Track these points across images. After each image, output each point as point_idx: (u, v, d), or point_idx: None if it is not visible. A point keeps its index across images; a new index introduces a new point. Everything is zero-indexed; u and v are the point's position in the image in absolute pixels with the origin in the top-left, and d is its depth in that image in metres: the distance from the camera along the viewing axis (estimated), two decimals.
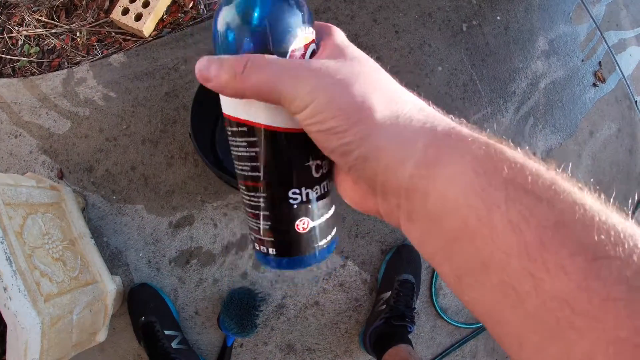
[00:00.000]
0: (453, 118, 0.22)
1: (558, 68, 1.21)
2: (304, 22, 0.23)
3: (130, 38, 1.08)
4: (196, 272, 0.97)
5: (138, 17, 1.02)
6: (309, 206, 0.25)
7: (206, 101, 0.85)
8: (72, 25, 1.11)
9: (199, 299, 0.97)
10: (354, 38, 1.09)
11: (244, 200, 0.26)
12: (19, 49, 1.11)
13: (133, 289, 0.93)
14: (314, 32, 0.24)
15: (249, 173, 0.25)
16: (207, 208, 0.98)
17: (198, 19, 1.07)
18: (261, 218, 0.25)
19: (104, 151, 1.00)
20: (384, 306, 0.90)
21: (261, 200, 0.25)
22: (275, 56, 0.22)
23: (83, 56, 1.08)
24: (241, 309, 0.91)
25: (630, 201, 1.26)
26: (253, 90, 0.21)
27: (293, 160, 0.24)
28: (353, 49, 0.23)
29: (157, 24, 1.07)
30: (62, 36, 1.12)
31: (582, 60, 1.23)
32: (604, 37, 1.26)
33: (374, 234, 1.02)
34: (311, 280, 0.99)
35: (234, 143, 0.25)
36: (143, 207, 0.98)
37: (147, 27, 1.02)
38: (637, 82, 1.30)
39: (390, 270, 0.97)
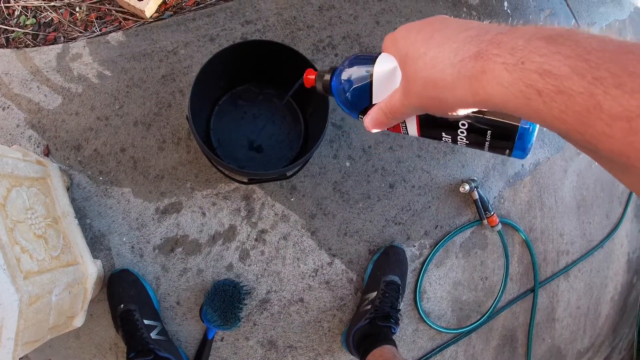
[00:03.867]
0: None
1: None
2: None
3: (130, 17, 1.05)
4: (180, 261, 0.95)
5: None
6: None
7: (205, 88, 0.84)
8: (72, 0, 1.08)
9: (181, 288, 0.95)
10: (356, 38, 1.10)
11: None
12: (15, 20, 1.07)
13: (113, 275, 0.90)
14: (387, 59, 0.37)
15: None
16: (197, 196, 0.97)
17: (201, 4, 1.06)
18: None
19: (93, 130, 0.97)
20: (369, 306, 0.90)
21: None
22: (385, 99, 0.36)
23: (80, 32, 1.06)
24: (225, 301, 0.89)
25: (610, 219, 1.29)
26: (404, 115, 0.35)
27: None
28: (397, 51, 0.33)
29: (160, 5, 1.05)
30: (60, 10, 1.09)
31: None
32: None
33: (363, 233, 1.02)
34: (297, 276, 0.98)
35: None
36: (130, 190, 0.96)
37: (149, 7, 1.00)
38: None
39: (377, 270, 0.97)
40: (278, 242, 0.98)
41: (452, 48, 0.28)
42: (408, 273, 1.02)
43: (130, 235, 0.95)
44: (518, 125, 0.33)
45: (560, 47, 0.23)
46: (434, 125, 0.37)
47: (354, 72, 0.38)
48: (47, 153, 0.98)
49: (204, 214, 0.96)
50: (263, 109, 0.99)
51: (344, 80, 0.39)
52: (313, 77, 0.46)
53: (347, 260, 1.00)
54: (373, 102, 0.37)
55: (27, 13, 1.11)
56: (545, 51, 0.23)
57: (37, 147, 0.97)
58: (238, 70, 0.90)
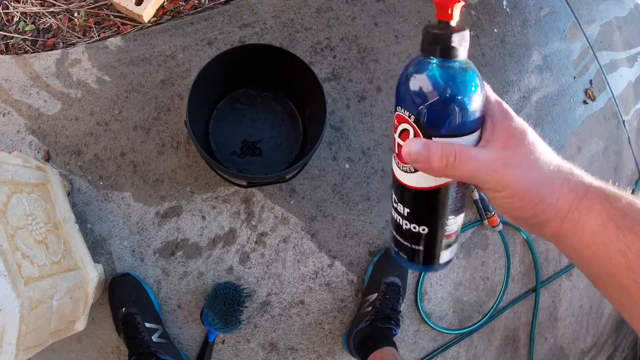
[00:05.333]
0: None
1: (550, 83, 1.23)
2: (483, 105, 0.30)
3: (129, 22, 1.06)
4: (181, 264, 0.96)
5: (139, 2, 1.00)
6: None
7: (203, 92, 0.84)
8: (71, 6, 1.09)
9: (182, 292, 0.95)
10: (354, 39, 1.10)
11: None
12: (14, 26, 1.08)
13: (115, 279, 0.91)
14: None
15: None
16: (196, 199, 0.97)
17: (199, 8, 1.06)
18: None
19: (93, 135, 0.98)
20: (369, 308, 0.90)
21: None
22: (475, 150, 0.29)
23: (79, 37, 1.06)
24: (226, 304, 0.89)
25: None
26: (459, 178, 0.30)
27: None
28: (528, 137, 0.29)
29: (157, 10, 1.05)
30: (59, 16, 1.09)
31: (574, 78, 1.26)
32: (596, 57, 1.30)
33: (363, 235, 1.02)
34: (297, 278, 0.99)
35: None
36: (130, 194, 0.96)
37: (148, 12, 1.01)
38: (625, 102, 1.33)
39: (377, 272, 0.97)
40: (278, 244, 0.98)
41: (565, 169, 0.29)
42: (409, 274, 1.01)
43: (130, 240, 0.96)
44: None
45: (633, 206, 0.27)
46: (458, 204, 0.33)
47: (482, 94, 0.30)
48: (47, 159, 0.99)
49: (204, 217, 0.97)
50: (261, 112, 0.99)
51: (472, 83, 0.29)
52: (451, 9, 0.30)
53: (347, 262, 1.01)
54: (449, 139, 0.29)
55: (26, 19, 1.11)
56: (624, 203, 0.27)
57: (38, 152, 0.98)
58: (236, 73, 0.90)
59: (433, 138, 0.29)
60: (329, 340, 0.99)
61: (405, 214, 0.33)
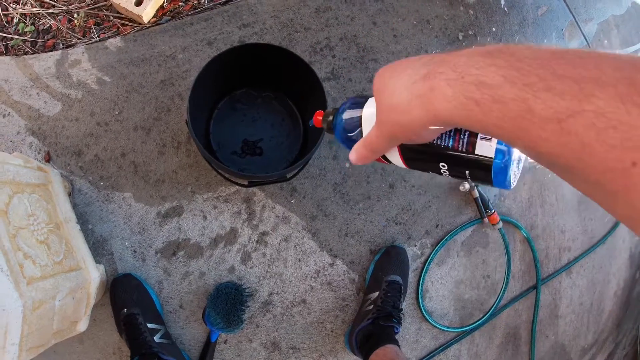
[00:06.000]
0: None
1: None
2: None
3: (128, 23, 1.06)
4: (182, 264, 0.96)
5: (139, 3, 1.01)
6: None
7: (204, 92, 0.84)
8: (70, 7, 1.09)
9: (184, 292, 0.95)
10: (353, 39, 1.10)
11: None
12: (14, 27, 1.08)
13: (116, 279, 0.90)
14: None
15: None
16: (197, 199, 0.97)
17: (198, 9, 1.06)
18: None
19: (94, 136, 0.98)
20: (371, 306, 0.90)
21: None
22: (369, 136, 0.36)
23: (79, 38, 1.06)
24: (228, 303, 0.89)
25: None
26: (386, 148, 0.36)
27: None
28: (374, 89, 0.34)
29: (157, 11, 1.06)
30: (58, 17, 1.09)
31: None
32: None
33: (364, 234, 1.02)
34: (299, 277, 0.99)
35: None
36: (131, 195, 0.96)
37: (147, 13, 1.01)
38: None
39: (379, 270, 0.97)
40: (279, 244, 0.98)
41: (408, 74, 0.30)
42: (410, 273, 1.02)
43: (132, 240, 0.96)
44: (491, 164, 0.35)
45: (495, 59, 0.24)
46: (416, 159, 0.39)
47: (349, 114, 0.42)
48: (48, 159, 0.99)
49: (205, 217, 0.97)
50: (262, 112, 0.99)
51: (342, 120, 0.42)
52: (321, 118, 0.50)
53: (348, 260, 1.01)
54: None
55: (26, 20, 1.11)
56: (482, 64, 0.25)
57: (38, 153, 0.98)
58: (236, 73, 0.90)
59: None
60: (331, 339, 0.99)
61: (434, 172, 0.40)
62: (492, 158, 0.34)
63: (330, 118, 0.46)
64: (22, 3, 1.13)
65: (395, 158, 0.40)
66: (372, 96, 0.39)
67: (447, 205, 1.08)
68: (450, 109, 0.26)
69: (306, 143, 0.97)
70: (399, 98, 0.30)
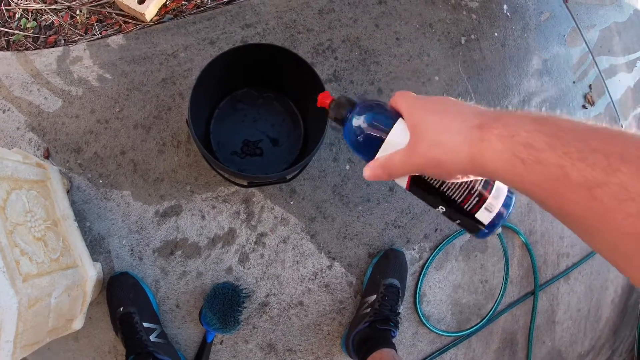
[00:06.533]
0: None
1: (550, 87, 1.24)
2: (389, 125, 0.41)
3: (131, 21, 1.06)
4: (180, 264, 0.95)
5: (142, 0, 1.01)
6: None
7: (205, 91, 0.84)
8: (73, 3, 1.09)
9: (180, 291, 0.95)
10: (355, 41, 1.10)
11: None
12: (16, 22, 1.08)
13: (113, 278, 0.90)
14: (396, 119, 0.41)
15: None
16: (196, 199, 0.97)
17: (201, 8, 1.06)
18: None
19: (94, 133, 0.98)
20: (368, 309, 0.90)
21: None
22: (393, 154, 0.39)
23: (81, 35, 1.06)
24: (224, 304, 0.89)
25: None
26: (399, 174, 0.39)
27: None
28: (412, 118, 0.37)
29: (160, 9, 1.06)
30: (61, 13, 1.09)
31: (574, 82, 1.26)
32: (595, 62, 1.31)
33: (362, 236, 1.02)
34: (296, 279, 0.98)
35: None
36: (130, 193, 0.96)
37: (150, 11, 1.01)
38: (624, 107, 1.34)
39: (377, 274, 0.97)
40: (277, 245, 0.98)
41: (461, 119, 0.33)
42: (408, 276, 1.01)
43: (129, 238, 0.95)
44: (480, 230, 0.41)
45: (542, 126, 0.28)
46: (423, 190, 0.42)
47: (371, 124, 0.41)
48: (47, 156, 0.98)
49: (203, 217, 0.96)
50: (263, 113, 0.99)
51: (360, 124, 0.42)
52: (328, 101, 0.47)
53: (346, 263, 1.00)
54: (377, 156, 0.41)
55: (28, 16, 1.11)
56: (531, 128, 0.28)
57: (37, 150, 0.98)
58: (238, 73, 0.90)
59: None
60: (328, 342, 0.99)
61: (430, 205, 0.44)
62: (484, 226, 0.41)
63: (344, 112, 0.45)
64: None
65: (402, 180, 0.42)
66: (396, 113, 0.41)
67: None
68: (497, 161, 0.30)
69: (306, 144, 0.97)
70: (448, 138, 0.33)
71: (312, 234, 0.99)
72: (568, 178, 0.26)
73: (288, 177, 0.87)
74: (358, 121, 0.42)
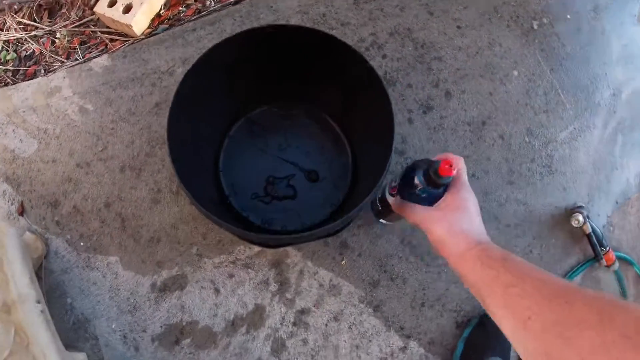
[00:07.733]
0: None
1: (636, 75, 0.94)
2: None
3: (118, 38, 0.84)
4: (189, 356, 0.68)
5: (127, 9, 0.79)
6: None
7: (201, 112, 0.58)
8: (54, 27, 0.90)
9: None
10: (407, 33, 0.84)
11: None
12: None
13: None
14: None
15: None
16: (206, 265, 0.70)
17: (203, 12, 0.83)
18: None
19: (72, 181, 0.74)
20: None
21: None
22: (422, 207, 0.52)
23: (62, 61, 0.85)
24: None
25: None
26: (412, 222, 0.54)
27: None
28: (460, 206, 0.49)
29: (153, 20, 0.84)
30: (42, 39, 0.90)
31: None
32: None
33: (447, 300, 0.71)
34: None
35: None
36: (118, 259, 0.71)
37: (138, 21, 0.79)
38: None
39: (471, 350, 0.70)
40: (327, 325, 0.69)
41: (464, 242, 0.46)
42: (512, 351, 0.71)
43: (120, 321, 0.69)
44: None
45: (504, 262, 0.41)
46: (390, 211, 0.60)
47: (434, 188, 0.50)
48: (21, 212, 0.77)
49: (217, 290, 0.69)
50: (291, 138, 0.72)
51: (427, 186, 0.50)
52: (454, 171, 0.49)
53: (426, 341, 0.70)
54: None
55: (9, 48, 0.94)
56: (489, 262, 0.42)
57: (12, 204, 0.77)
58: (249, 82, 0.64)
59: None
60: None
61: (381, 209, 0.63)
62: None
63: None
64: (5, 29, 0.96)
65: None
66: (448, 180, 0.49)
67: (551, 246, 0.80)
68: (470, 272, 0.44)
69: (356, 176, 0.68)
70: (451, 245, 0.46)
71: (375, 304, 0.70)
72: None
73: (337, 228, 0.58)
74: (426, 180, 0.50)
